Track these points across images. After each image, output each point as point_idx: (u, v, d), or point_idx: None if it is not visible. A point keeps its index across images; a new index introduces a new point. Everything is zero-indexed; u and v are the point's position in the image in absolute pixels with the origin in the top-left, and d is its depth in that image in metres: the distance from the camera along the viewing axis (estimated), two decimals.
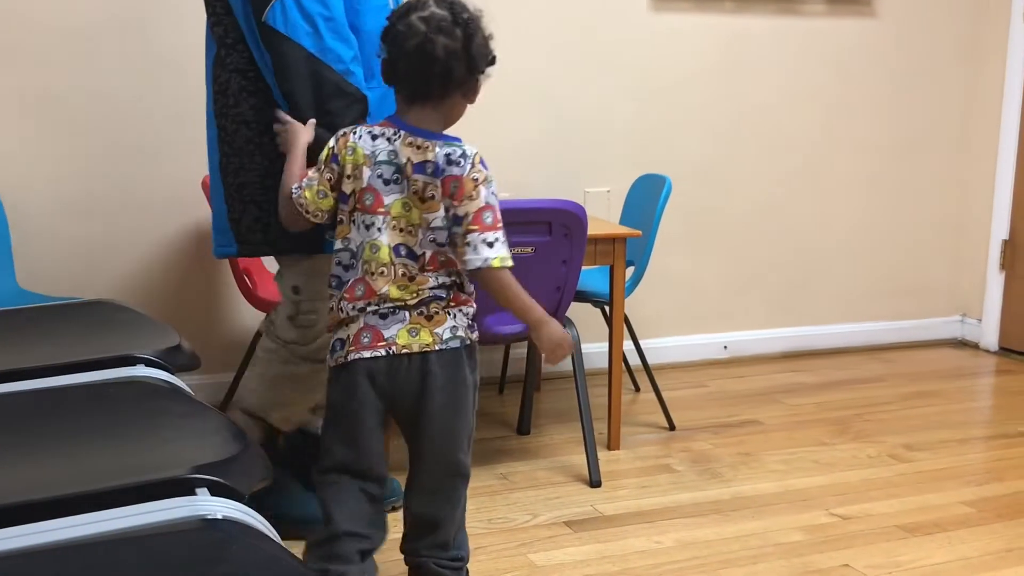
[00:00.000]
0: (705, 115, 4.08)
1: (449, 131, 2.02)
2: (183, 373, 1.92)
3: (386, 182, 1.96)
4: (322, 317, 2.38)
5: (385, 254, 1.95)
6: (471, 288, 2.06)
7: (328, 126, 2.20)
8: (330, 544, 1.99)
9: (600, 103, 3.93)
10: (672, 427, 3.43)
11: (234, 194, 2.37)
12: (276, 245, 2.39)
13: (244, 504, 1.31)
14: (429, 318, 1.97)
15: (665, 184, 3.41)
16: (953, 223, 4.58)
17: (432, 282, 1.97)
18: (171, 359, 1.91)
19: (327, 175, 2.03)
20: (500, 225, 1.96)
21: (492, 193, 1.96)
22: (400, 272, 1.96)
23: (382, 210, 1.96)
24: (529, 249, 2.77)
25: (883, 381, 4.05)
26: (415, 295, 1.96)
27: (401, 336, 1.96)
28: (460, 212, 1.92)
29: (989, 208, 4.48)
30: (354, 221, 1.99)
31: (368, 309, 1.97)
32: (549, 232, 2.79)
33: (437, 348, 1.97)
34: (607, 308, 3.38)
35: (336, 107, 2.25)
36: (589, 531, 2.63)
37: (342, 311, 2.00)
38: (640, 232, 3.23)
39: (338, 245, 2.03)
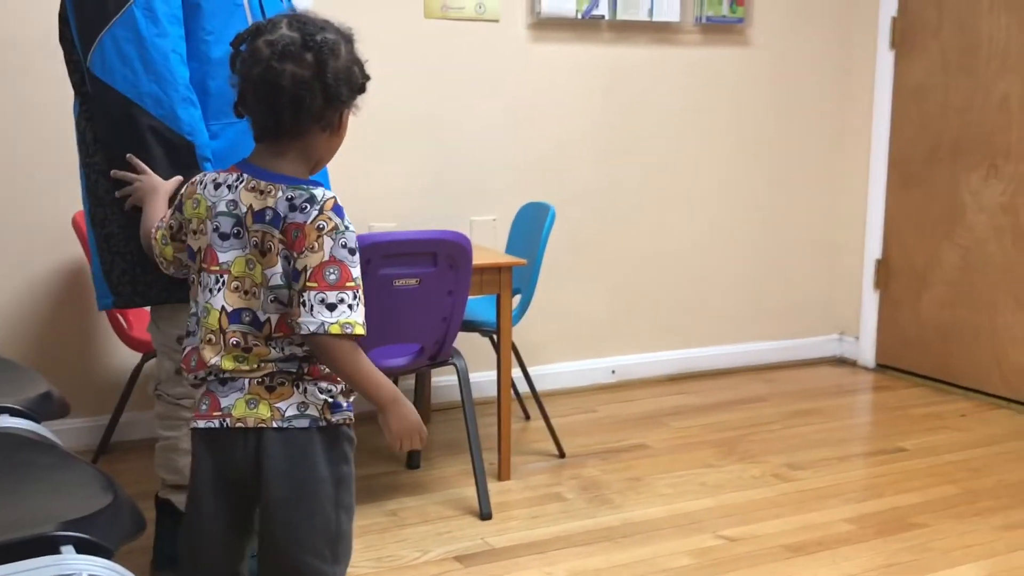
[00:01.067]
0: (587, 142, 4.13)
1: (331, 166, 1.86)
2: (52, 421, 1.85)
3: (223, 236, 1.70)
4: None
5: (215, 319, 1.69)
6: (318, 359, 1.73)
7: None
8: None
9: (484, 133, 3.94)
10: (562, 454, 3.44)
11: (103, 245, 2.26)
12: (146, 296, 2.25)
13: (112, 561, 1.25)
14: (271, 390, 1.70)
15: (549, 212, 3.43)
16: (829, 244, 4.71)
17: (275, 354, 1.69)
18: (38, 407, 1.83)
19: (171, 222, 1.82)
20: (350, 285, 1.65)
21: (344, 247, 1.65)
22: (233, 341, 1.69)
23: (216, 268, 1.70)
24: (414, 281, 2.75)
25: (766, 400, 4.13)
26: (254, 368, 1.69)
27: (238, 407, 1.69)
28: (299, 266, 1.64)
29: (862, 229, 4.62)
30: (200, 281, 1.74)
31: (205, 377, 1.73)
32: (434, 263, 2.77)
33: (275, 426, 1.68)
34: (495, 336, 3.37)
35: (156, 155, 2.11)
36: (479, 565, 2.61)
37: (187, 379, 1.78)
38: (525, 261, 3.24)
39: (191, 307, 1.79)
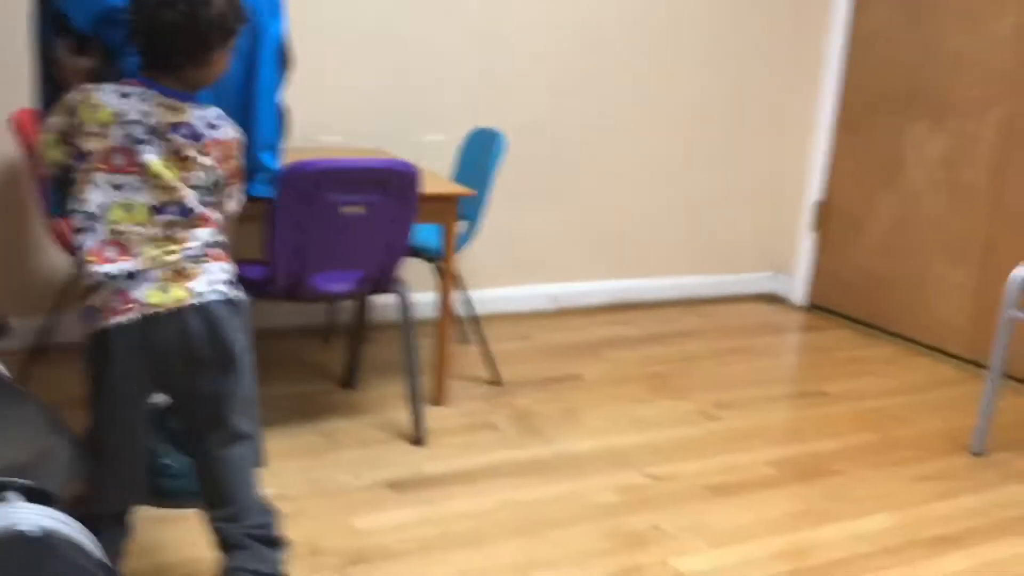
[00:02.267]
0: (539, 68, 4.10)
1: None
2: None
3: (138, 141, 1.88)
4: None
5: (143, 214, 1.86)
6: (227, 243, 1.99)
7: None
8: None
9: (436, 51, 3.89)
10: (498, 381, 3.49)
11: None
12: None
13: (58, 509, 1.27)
14: (179, 273, 1.87)
15: (498, 140, 3.42)
16: (770, 183, 4.77)
17: (193, 241, 1.90)
18: None
19: (62, 126, 1.91)
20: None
21: (241, 144, 2.03)
22: (158, 232, 1.87)
23: (134, 169, 1.87)
24: (361, 208, 2.74)
25: (699, 335, 4.22)
26: (174, 254, 1.88)
27: (152, 295, 1.84)
28: (225, 170, 1.97)
29: (804, 171, 4.68)
30: (94, 182, 1.87)
31: (117, 273, 1.84)
32: (383, 192, 2.76)
33: (194, 303, 1.86)
34: (439, 265, 3.38)
35: (104, 30, 2.10)
36: (412, 492, 2.67)
37: (91, 277, 1.85)
38: (474, 191, 3.23)
39: (73, 210, 1.89)
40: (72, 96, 1.91)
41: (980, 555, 2.57)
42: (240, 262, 2.79)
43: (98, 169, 1.86)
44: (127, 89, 1.91)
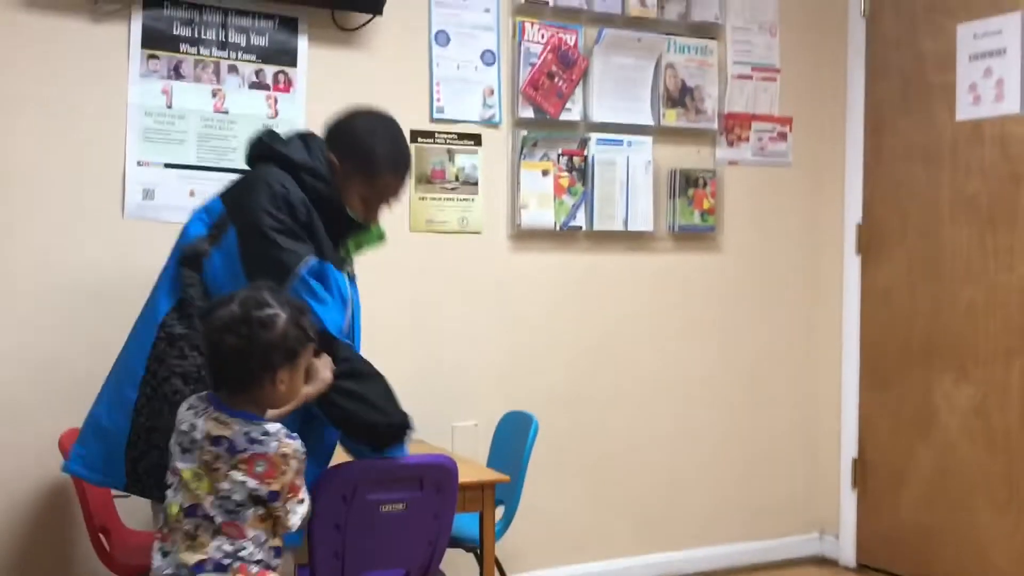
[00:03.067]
0: (565, 346, 4.21)
1: None
2: None
3: (184, 450, 2.09)
4: None
5: (176, 511, 2.07)
6: (266, 561, 2.10)
7: None
8: None
9: (465, 338, 4.01)
10: None
11: (142, 435, 2.47)
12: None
13: None
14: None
15: (532, 424, 3.47)
16: (805, 443, 4.76)
17: (217, 544, 2.03)
18: None
19: None
20: (303, 481, 2.16)
21: (300, 460, 2.12)
22: (188, 530, 2.05)
23: (175, 476, 2.10)
24: (400, 506, 2.76)
25: None
26: (200, 555, 2.02)
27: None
28: (276, 488, 2.07)
29: (838, 428, 4.68)
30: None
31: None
32: (420, 488, 2.79)
33: None
34: (477, 551, 3.36)
35: None
36: None
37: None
38: (508, 477, 3.25)
39: None
40: None
41: None
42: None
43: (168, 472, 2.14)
44: (195, 402, 2.16)
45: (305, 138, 2.74)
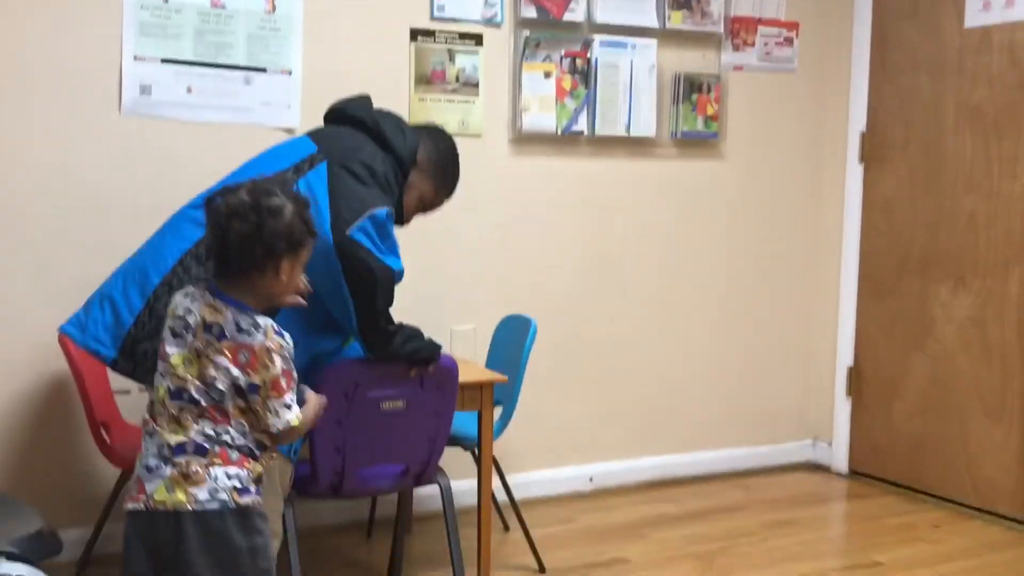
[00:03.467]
0: (566, 253, 4.20)
1: None
2: None
3: (175, 335, 2.14)
4: None
5: (162, 394, 2.12)
6: (249, 447, 2.14)
7: None
8: None
9: (466, 242, 4.00)
10: (542, 569, 3.44)
11: (153, 319, 2.49)
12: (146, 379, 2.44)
13: None
14: (187, 477, 2.06)
15: (530, 327, 3.48)
16: (801, 351, 4.79)
17: (199, 427, 2.09)
18: (32, 549, 1.83)
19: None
20: (293, 385, 2.16)
21: (286, 359, 2.14)
22: (173, 413, 2.10)
23: (165, 359, 2.14)
24: (400, 403, 2.78)
25: (743, 509, 4.16)
26: (182, 436, 2.08)
27: (159, 491, 2.06)
28: (256, 381, 2.11)
29: (834, 337, 4.71)
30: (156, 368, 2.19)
31: (146, 461, 2.10)
32: (421, 384, 2.81)
33: (192, 509, 2.05)
34: (475, 450, 3.39)
35: None
36: None
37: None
38: (507, 377, 3.27)
39: None
40: None
41: None
42: None
43: (158, 356, 2.19)
44: (191, 289, 2.20)
45: (400, 122, 2.93)
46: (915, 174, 4.34)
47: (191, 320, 2.13)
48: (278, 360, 2.12)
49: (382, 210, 2.67)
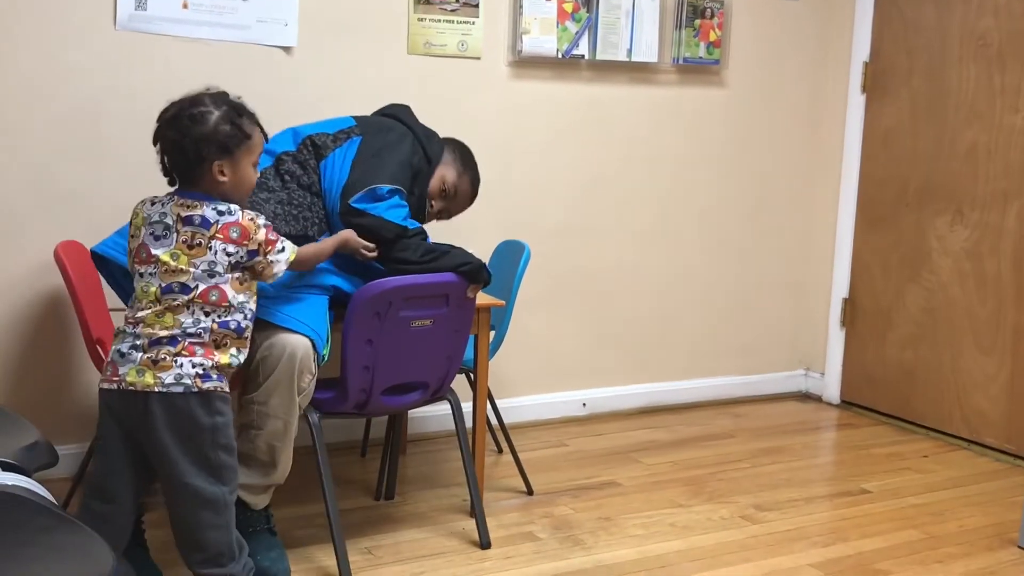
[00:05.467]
0: (563, 178, 4.18)
1: None
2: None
3: (156, 238, 2.34)
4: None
5: (153, 293, 2.32)
6: (224, 338, 2.36)
7: None
8: None
9: None
10: (530, 491, 3.48)
11: None
12: None
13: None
14: (155, 363, 2.30)
15: (524, 251, 3.48)
16: (797, 282, 4.80)
17: (188, 323, 2.31)
18: (28, 460, 1.85)
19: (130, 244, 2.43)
20: (276, 234, 2.45)
21: (263, 219, 2.42)
22: (158, 309, 2.31)
23: (152, 260, 2.33)
24: (428, 321, 2.83)
25: (733, 437, 4.20)
26: (166, 328, 2.31)
27: (131, 374, 2.30)
28: (253, 247, 2.38)
29: (830, 268, 4.71)
30: (135, 272, 2.38)
31: (118, 348, 2.33)
32: (446, 303, 2.85)
33: (157, 391, 2.28)
34: (470, 374, 3.41)
35: None
36: None
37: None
38: (503, 302, 3.28)
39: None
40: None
41: None
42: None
43: (133, 263, 2.39)
44: (159, 198, 2.39)
45: (431, 131, 3.22)
46: (917, 105, 4.31)
47: (168, 221, 2.34)
48: (261, 221, 2.40)
49: (384, 187, 2.89)
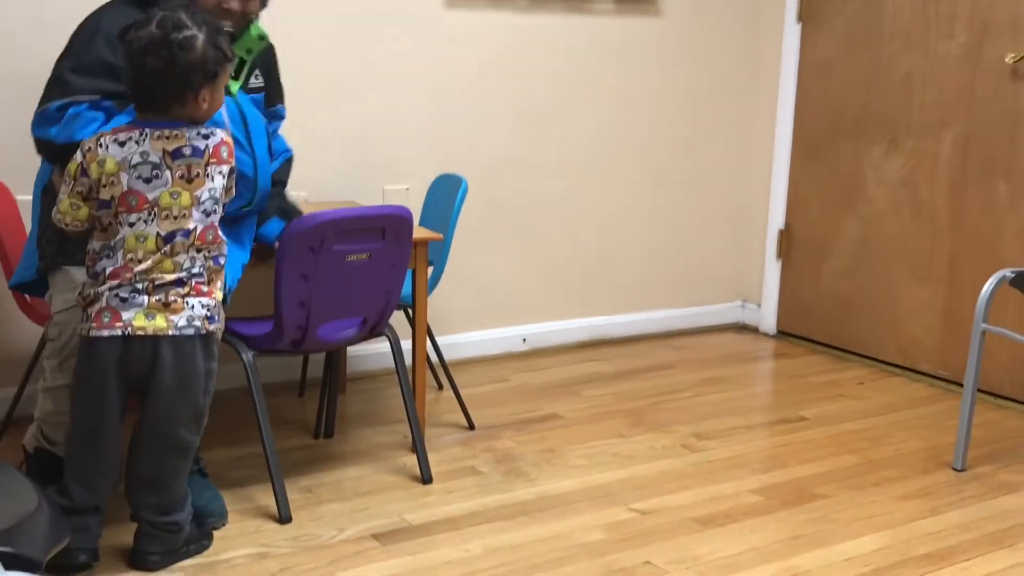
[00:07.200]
0: (499, 111, 4.12)
1: None
2: None
3: (147, 180, 2.20)
4: (66, 330, 2.48)
5: (152, 242, 2.21)
6: (215, 273, 2.33)
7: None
8: (74, 517, 2.21)
9: (397, 100, 3.89)
10: (472, 426, 3.46)
11: (47, 215, 2.46)
12: (70, 256, 2.47)
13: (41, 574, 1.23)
14: (167, 305, 2.23)
15: (461, 185, 3.43)
16: (733, 214, 4.80)
17: (187, 264, 2.24)
18: None
19: (78, 187, 2.23)
20: None
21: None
22: (162, 255, 2.22)
23: (147, 205, 2.20)
24: (364, 255, 2.75)
25: (673, 368, 4.22)
26: (168, 272, 2.23)
27: (138, 318, 2.21)
28: (233, 163, 2.34)
29: (766, 200, 4.72)
30: (120, 222, 2.22)
31: (117, 292, 2.21)
32: (383, 237, 2.77)
33: (170, 334, 2.23)
34: (409, 310, 3.37)
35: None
36: (398, 543, 2.62)
37: (95, 290, 2.24)
38: (441, 236, 3.23)
39: (95, 245, 2.27)
40: (76, 158, 2.22)
41: (973, 570, 2.56)
42: (240, 320, 2.82)
43: (119, 212, 2.21)
44: (123, 136, 2.21)
45: None
46: (852, 33, 4.30)
47: (153, 159, 2.20)
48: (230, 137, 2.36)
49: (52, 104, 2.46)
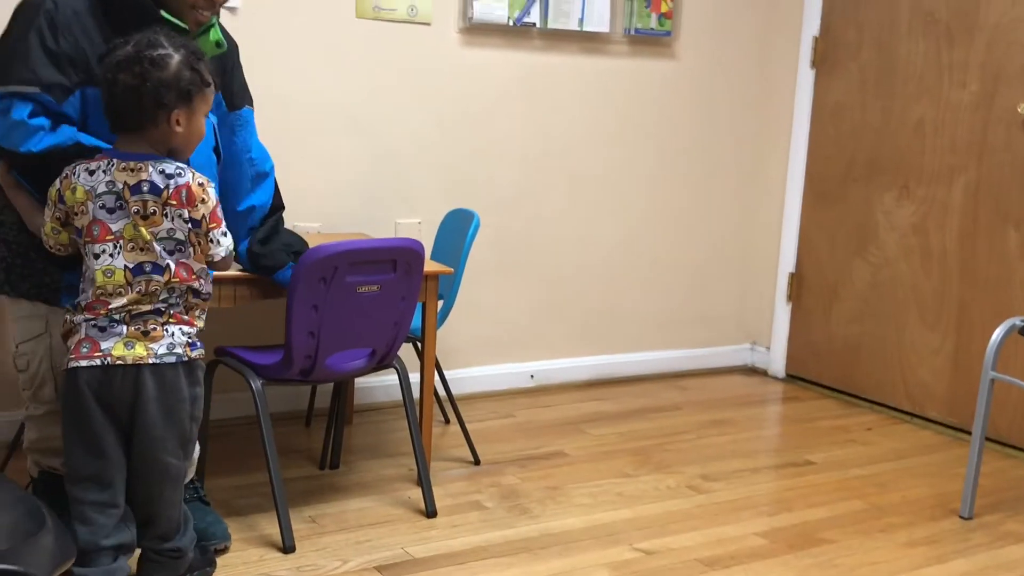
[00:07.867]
0: (512, 147, 4.14)
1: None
2: None
3: (110, 211, 2.17)
4: (34, 360, 2.47)
5: (120, 276, 2.17)
6: (194, 305, 2.28)
7: None
8: (87, 556, 2.18)
9: (412, 135, 3.92)
10: (477, 461, 3.45)
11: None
12: (16, 287, 2.43)
13: None
14: (145, 334, 2.19)
15: (473, 220, 3.44)
16: (744, 256, 4.81)
17: (164, 296, 2.20)
18: None
19: (57, 213, 2.22)
20: (222, 216, 2.28)
21: (212, 188, 2.25)
22: (138, 289, 2.18)
23: (111, 237, 2.17)
24: (375, 287, 2.77)
25: (680, 409, 4.21)
26: (144, 305, 2.18)
27: (117, 348, 2.17)
28: (196, 216, 2.20)
29: (777, 243, 4.73)
30: (86, 252, 2.20)
31: (94, 322, 2.17)
32: (394, 269, 2.79)
33: (150, 363, 2.18)
34: (418, 344, 3.37)
35: None
36: None
37: (72, 324, 2.21)
38: (451, 269, 3.24)
39: (80, 273, 2.25)
40: (55, 185, 2.21)
41: None
42: (250, 348, 2.83)
43: (86, 242, 2.19)
44: (94, 165, 2.18)
45: None
46: (865, 79, 4.33)
47: (117, 189, 2.16)
48: (211, 191, 2.23)
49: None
